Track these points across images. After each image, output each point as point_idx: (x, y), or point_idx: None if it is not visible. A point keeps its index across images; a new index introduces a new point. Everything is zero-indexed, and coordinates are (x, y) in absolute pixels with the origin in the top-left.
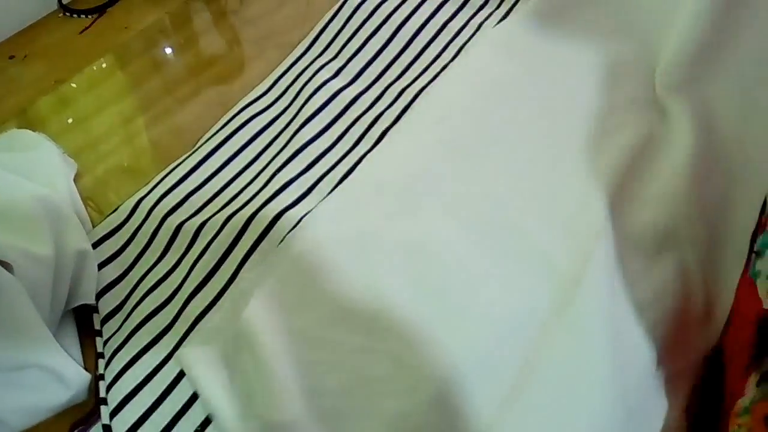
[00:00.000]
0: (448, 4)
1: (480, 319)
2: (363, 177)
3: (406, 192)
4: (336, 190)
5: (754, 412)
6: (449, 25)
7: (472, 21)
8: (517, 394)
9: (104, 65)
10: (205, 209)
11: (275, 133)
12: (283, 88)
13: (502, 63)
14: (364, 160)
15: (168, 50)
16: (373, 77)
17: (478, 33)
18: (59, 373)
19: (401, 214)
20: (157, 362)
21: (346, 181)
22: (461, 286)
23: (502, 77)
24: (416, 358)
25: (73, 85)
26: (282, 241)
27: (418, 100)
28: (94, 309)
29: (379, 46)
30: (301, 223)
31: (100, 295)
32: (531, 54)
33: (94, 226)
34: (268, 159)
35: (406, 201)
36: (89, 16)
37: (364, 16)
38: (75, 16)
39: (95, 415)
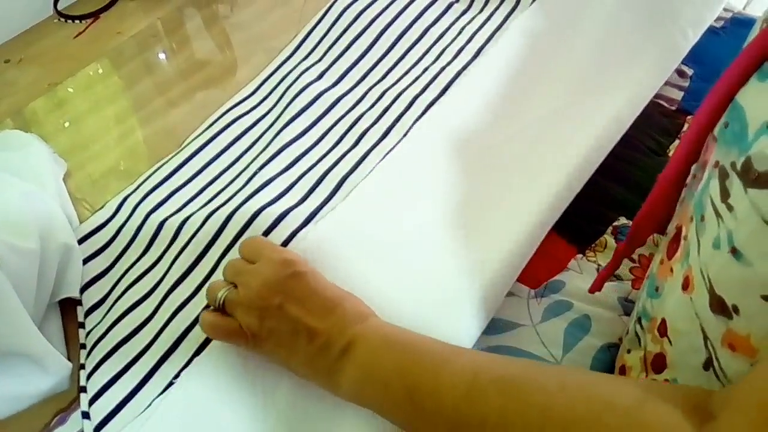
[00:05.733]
0: (430, 10)
1: None
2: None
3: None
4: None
5: None
6: (431, 30)
7: (453, 26)
8: None
9: (98, 69)
10: (188, 206)
11: (259, 134)
12: (268, 90)
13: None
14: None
15: (160, 54)
16: (355, 80)
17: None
18: (41, 361)
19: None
20: (137, 352)
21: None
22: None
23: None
24: None
25: (70, 89)
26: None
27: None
28: (79, 302)
29: (362, 50)
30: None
31: (84, 289)
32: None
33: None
34: (251, 158)
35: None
36: (83, 21)
37: (349, 21)
38: (69, 21)
39: (76, 402)
